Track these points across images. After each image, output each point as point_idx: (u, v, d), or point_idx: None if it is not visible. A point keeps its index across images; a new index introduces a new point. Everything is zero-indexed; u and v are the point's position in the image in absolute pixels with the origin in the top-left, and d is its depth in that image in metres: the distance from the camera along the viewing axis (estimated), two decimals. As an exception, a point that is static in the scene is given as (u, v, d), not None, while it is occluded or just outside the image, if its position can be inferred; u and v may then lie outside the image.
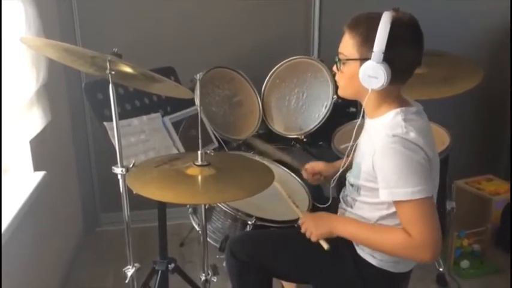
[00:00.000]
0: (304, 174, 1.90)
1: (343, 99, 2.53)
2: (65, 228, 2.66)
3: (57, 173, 2.41)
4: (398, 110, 1.41)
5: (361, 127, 1.53)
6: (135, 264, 1.64)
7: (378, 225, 1.46)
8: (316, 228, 1.50)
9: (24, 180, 2.00)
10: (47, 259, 2.28)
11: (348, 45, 1.41)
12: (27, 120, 1.92)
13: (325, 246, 1.50)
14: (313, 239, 1.51)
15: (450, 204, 2.26)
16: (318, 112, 2.63)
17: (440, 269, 2.45)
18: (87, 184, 2.96)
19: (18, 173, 2.04)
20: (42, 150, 2.16)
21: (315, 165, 1.87)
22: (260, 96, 2.66)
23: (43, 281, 2.22)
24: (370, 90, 1.39)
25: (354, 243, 1.56)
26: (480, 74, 2.33)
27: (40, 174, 2.06)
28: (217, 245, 1.90)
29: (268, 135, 2.65)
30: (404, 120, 1.38)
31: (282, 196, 1.73)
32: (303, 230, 1.54)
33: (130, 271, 1.63)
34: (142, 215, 2.47)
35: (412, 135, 1.34)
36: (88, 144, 2.90)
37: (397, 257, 1.46)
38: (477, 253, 2.60)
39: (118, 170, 1.52)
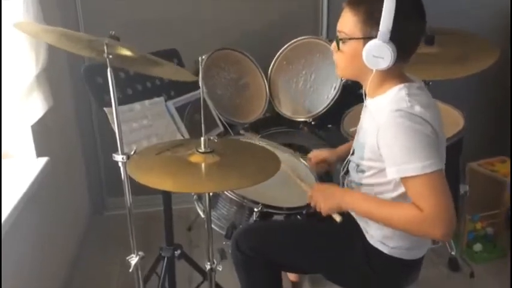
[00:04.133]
0: (309, 164, 1.87)
1: (352, 80, 2.49)
2: (71, 213, 2.64)
3: (61, 159, 2.38)
4: (401, 85, 1.36)
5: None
6: (139, 253, 1.61)
7: (388, 201, 1.40)
8: (325, 201, 1.45)
9: (26, 166, 1.97)
10: (53, 245, 2.26)
11: (349, 23, 1.34)
12: (28, 105, 1.88)
13: (338, 218, 1.46)
14: (323, 213, 1.46)
15: (463, 188, 2.22)
16: (327, 94, 2.55)
17: (453, 253, 2.42)
18: (93, 169, 2.94)
19: (21, 159, 2.01)
20: (45, 135, 2.13)
21: (318, 154, 1.83)
22: (267, 79, 2.59)
23: (49, 268, 2.20)
24: (374, 71, 1.33)
25: (364, 231, 1.52)
26: (496, 53, 2.22)
27: (43, 160, 2.03)
28: (223, 232, 1.87)
29: (275, 118, 2.58)
30: (408, 94, 1.33)
31: (288, 174, 1.68)
32: (312, 204, 1.50)
33: (134, 260, 1.60)
34: (149, 199, 2.45)
35: (418, 108, 1.29)
36: (93, 129, 2.86)
37: (408, 233, 1.36)
38: (490, 236, 2.55)
39: (119, 158, 1.47)
